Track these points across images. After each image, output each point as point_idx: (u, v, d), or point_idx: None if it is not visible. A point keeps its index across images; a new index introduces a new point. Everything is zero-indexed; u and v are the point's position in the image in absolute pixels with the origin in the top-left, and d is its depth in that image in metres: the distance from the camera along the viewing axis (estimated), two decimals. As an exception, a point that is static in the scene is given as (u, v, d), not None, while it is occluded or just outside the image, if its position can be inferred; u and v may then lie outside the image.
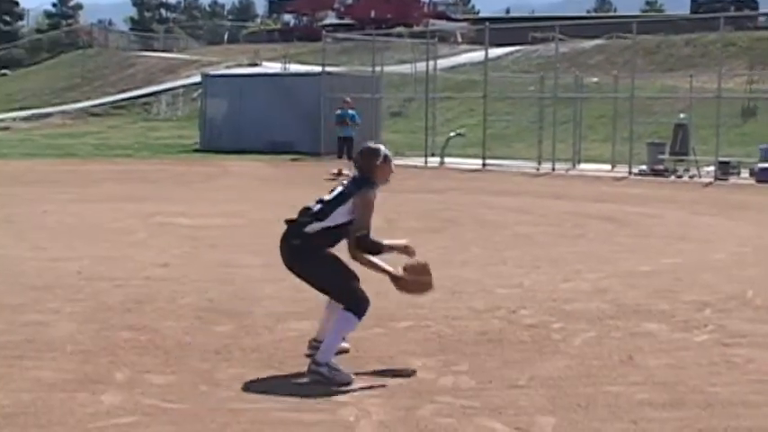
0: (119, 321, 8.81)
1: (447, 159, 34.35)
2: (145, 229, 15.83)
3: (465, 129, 40.25)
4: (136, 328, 8.56)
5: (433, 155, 35.24)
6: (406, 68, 45.64)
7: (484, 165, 32.93)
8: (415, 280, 7.69)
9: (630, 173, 29.96)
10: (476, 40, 61.02)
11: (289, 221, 7.49)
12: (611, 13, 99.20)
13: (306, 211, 7.45)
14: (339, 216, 7.31)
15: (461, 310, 9.42)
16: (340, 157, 28.61)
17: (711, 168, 29.05)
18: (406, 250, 7.66)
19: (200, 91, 46.31)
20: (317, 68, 41.93)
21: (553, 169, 31.84)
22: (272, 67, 58.42)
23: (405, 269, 7.69)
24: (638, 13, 79.16)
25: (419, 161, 34.14)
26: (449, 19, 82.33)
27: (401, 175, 33.04)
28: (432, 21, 77.31)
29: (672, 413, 6.46)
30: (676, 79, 44.33)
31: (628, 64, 39.30)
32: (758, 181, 27.25)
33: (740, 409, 6.56)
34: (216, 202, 20.21)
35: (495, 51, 46.89)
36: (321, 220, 7.32)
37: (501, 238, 15.31)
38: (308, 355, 7.47)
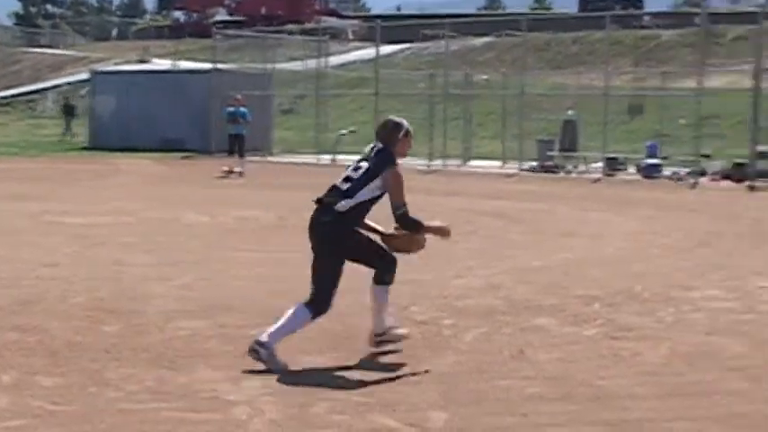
0: (6, 322, 8.62)
1: (339, 156, 34.31)
2: (33, 228, 15.56)
3: (356, 126, 40.30)
4: (24, 328, 8.39)
5: (324, 152, 35.19)
6: (297, 66, 45.57)
7: (376, 162, 32.97)
8: (408, 238, 7.76)
9: (521, 169, 30.28)
10: (367, 38, 61.18)
11: (318, 201, 7.65)
12: (501, 11, 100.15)
13: (333, 189, 7.63)
14: (368, 192, 7.56)
15: (353, 307, 9.40)
16: (231, 154, 28.26)
17: (599, 164, 29.50)
18: (441, 231, 7.78)
19: (88, 88, 45.68)
20: (208, 65, 41.66)
21: (444, 166, 32.05)
22: (162, 64, 57.88)
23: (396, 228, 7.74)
24: (527, 11, 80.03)
25: (311, 158, 34.09)
26: (340, 16, 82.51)
27: (292, 172, 32.79)
28: (323, 18, 77.38)
29: (562, 406, 6.54)
30: (565, 76, 44.99)
31: (517, 61, 39.69)
32: (644, 176, 27.76)
33: (627, 402, 6.66)
34: (106, 201, 19.94)
35: (386, 49, 47.09)
36: (350, 197, 7.52)
37: (393, 235, 15.34)
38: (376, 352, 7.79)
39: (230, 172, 27.28)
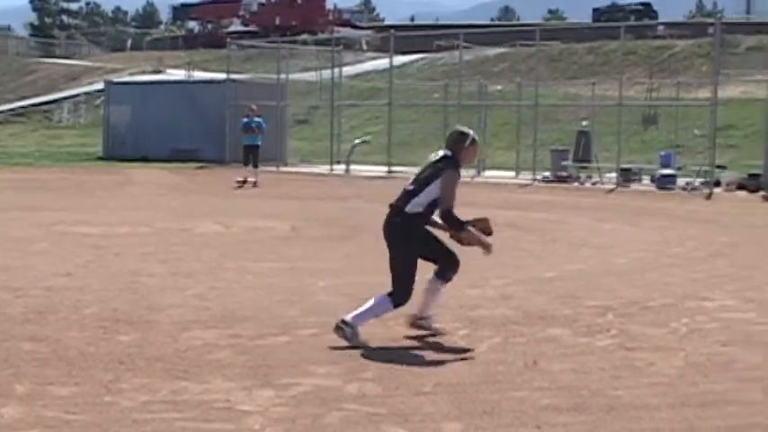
0: (20, 332, 8.64)
1: (352, 166, 34.37)
2: (47, 238, 15.58)
3: (370, 136, 40.36)
4: (38, 338, 8.40)
5: (338, 162, 35.24)
6: (311, 76, 45.64)
7: (389, 171, 33.02)
8: (472, 236, 8.76)
9: (535, 180, 30.26)
10: (381, 48, 61.26)
11: (390, 206, 8.58)
12: (515, 22, 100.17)
13: (405, 193, 8.53)
14: (431, 193, 8.42)
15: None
16: (246, 164, 28.20)
17: (613, 175, 29.46)
18: (483, 243, 8.81)
19: (102, 98, 45.81)
20: (222, 76, 41.73)
21: (458, 176, 32.01)
22: (177, 74, 58.00)
23: (473, 225, 8.77)
24: (540, 22, 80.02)
25: (325, 168, 34.14)
26: (353, 27, 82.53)
27: (307, 182, 32.73)
28: (337, 28, 77.48)
29: (575, 417, 6.52)
30: (579, 87, 44.96)
31: (531, 72, 39.68)
32: (658, 187, 27.68)
33: (642, 413, 6.64)
34: (120, 211, 19.98)
35: (400, 59, 47.13)
36: (416, 195, 8.42)
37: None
38: (410, 337, 8.66)
39: (244, 182, 27.32)
